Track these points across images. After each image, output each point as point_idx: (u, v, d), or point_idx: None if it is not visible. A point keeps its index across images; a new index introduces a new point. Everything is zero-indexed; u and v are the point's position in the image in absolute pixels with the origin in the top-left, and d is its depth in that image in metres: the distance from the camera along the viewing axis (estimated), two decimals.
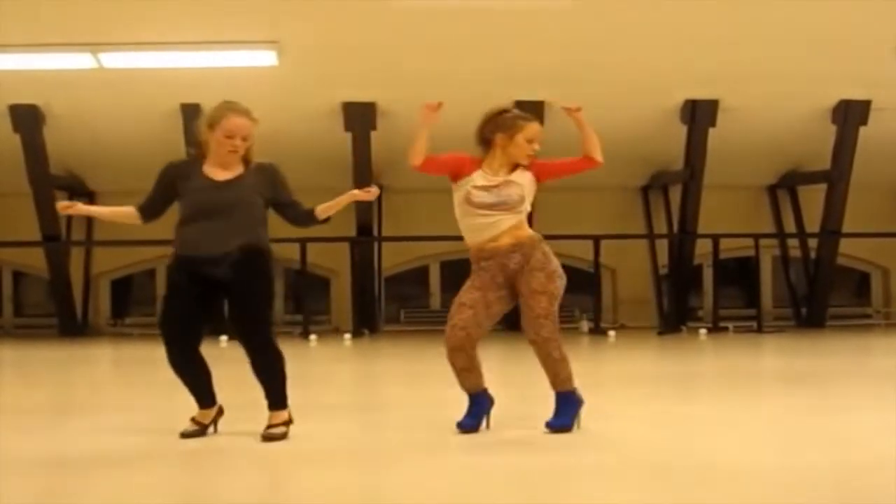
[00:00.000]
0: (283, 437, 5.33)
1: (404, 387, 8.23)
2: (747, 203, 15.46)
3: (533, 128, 5.54)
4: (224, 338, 12.24)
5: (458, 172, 5.56)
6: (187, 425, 5.48)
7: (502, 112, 5.61)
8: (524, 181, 5.55)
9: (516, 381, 7.81)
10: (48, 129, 13.31)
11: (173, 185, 5.45)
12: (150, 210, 5.59)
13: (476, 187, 5.48)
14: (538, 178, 5.61)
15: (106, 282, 15.68)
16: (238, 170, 5.43)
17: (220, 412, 5.62)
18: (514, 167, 5.56)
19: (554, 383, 5.45)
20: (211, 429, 5.54)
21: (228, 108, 5.37)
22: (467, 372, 5.46)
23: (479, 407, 5.50)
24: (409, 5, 11.03)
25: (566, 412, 5.43)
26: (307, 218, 5.58)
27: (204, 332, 5.52)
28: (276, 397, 5.43)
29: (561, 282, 5.50)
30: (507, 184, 5.51)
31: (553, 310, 5.43)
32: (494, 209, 5.48)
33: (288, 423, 5.42)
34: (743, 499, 3.92)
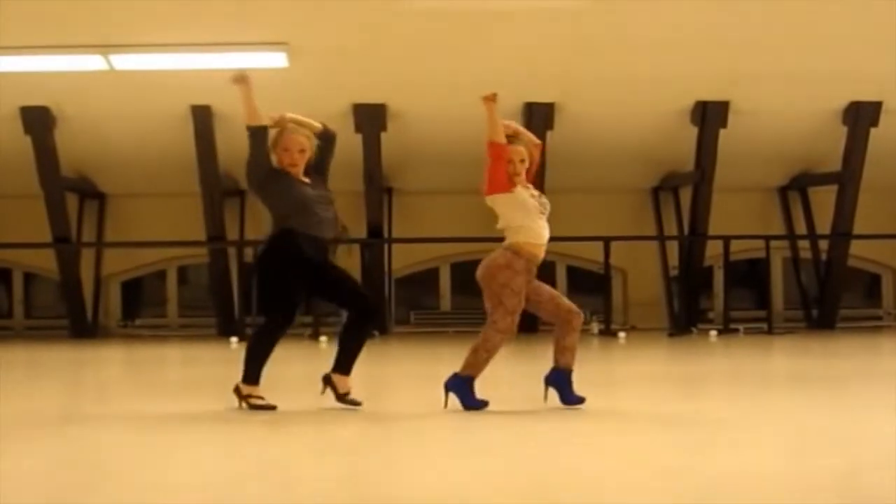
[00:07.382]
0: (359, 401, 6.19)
1: (413, 388, 8.22)
2: (758, 205, 15.42)
3: (515, 150, 6.11)
4: (234, 339, 12.27)
5: (510, 184, 6.05)
6: (255, 401, 6.04)
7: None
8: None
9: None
10: (59, 131, 13.34)
11: (273, 173, 6.24)
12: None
13: (533, 196, 6.10)
14: None
15: (116, 283, 15.70)
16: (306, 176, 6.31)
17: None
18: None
19: (571, 362, 6.15)
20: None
21: (285, 129, 6.32)
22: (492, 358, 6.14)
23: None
24: (419, 6, 11.04)
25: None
26: (327, 140, 6.46)
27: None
28: (353, 363, 6.26)
29: None
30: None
31: None
32: (545, 218, 6.14)
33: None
34: (753, 501, 3.91)
